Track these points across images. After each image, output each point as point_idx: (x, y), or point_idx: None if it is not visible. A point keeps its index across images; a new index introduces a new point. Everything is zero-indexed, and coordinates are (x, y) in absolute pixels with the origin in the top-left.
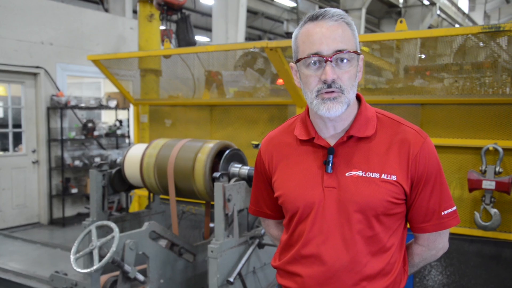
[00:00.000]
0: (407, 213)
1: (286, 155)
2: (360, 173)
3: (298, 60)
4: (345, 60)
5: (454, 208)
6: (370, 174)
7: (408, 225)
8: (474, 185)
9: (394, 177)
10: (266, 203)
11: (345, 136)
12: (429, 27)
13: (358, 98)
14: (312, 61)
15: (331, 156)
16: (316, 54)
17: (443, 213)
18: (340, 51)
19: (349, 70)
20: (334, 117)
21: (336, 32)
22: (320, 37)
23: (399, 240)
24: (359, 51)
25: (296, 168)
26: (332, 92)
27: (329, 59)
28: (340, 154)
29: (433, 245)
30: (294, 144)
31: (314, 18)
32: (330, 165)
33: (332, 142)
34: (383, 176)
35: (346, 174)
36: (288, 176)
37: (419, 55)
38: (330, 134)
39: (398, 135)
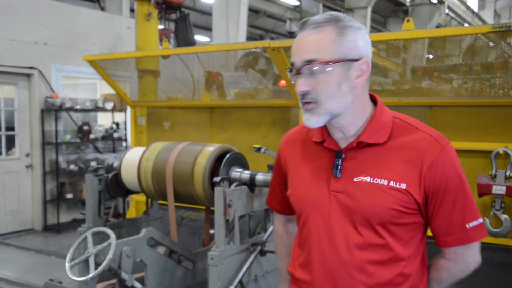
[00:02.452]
0: (429, 225)
1: (300, 155)
2: (368, 178)
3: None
4: (318, 72)
5: (480, 220)
6: (378, 181)
7: (426, 236)
8: (483, 190)
9: (403, 185)
10: (277, 198)
11: (354, 142)
12: (437, 26)
13: (374, 100)
14: (291, 73)
15: (339, 160)
16: (292, 65)
17: (467, 226)
18: (309, 61)
19: (325, 81)
20: (314, 127)
21: (310, 42)
22: (295, 48)
23: (413, 252)
24: (353, 57)
25: (307, 170)
26: (309, 103)
27: (299, 71)
28: (349, 158)
29: (461, 259)
30: (309, 144)
31: (299, 27)
32: (337, 169)
33: (343, 145)
34: (391, 183)
35: (354, 179)
36: (298, 176)
37: (427, 56)
38: (340, 137)
39: (413, 142)
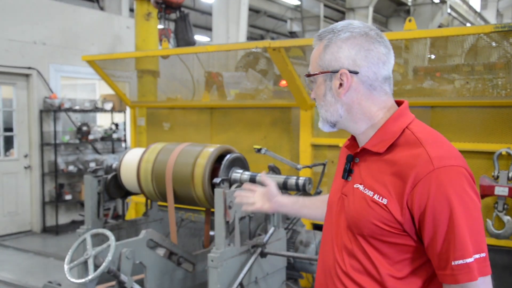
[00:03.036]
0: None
1: (340, 157)
2: (361, 187)
3: None
4: (311, 83)
5: (469, 260)
6: (367, 191)
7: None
8: (486, 191)
9: (385, 201)
10: None
11: (360, 148)
12: (439, 26)
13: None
14: None
15: (349, 164)
16: None
17: (453, 263)
18: (307, 74)
19: (315, 91)
20: (324, 131)
21: (311, 56)
22: None
23: (407, 275)
24: (333, 68)
25: (337, 172)
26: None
27: None
28: (360, 164)
29: None
30: (344, 147)
31: None
32: (346, 172)
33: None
34: (375, 196)
35: (354, 185)
36: (334, 176)
37: (429, 56)
38: (361, 144)
39: (407, 157)
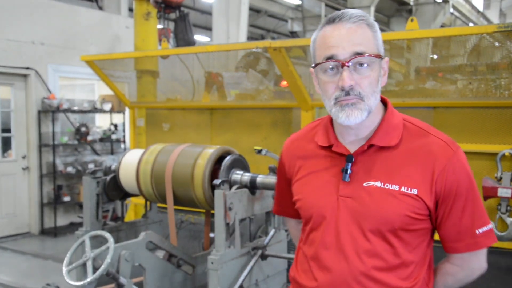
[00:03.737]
0: (437, 230)
1: (306, 159)
2: (378, 184)
3: (315, 66)
4: (364, 65)
5: (490, 226)
6: (389, 186)
7: (433, 242)
8: (489, 193)
9: (415, 191)
10: (288, 204)
11: (365, 145)
12: (442, 26)
13: (384, 102)
14: (329, 66)
15: (349, 164)
16: (332, 58)
17: (477, 232)
18: (358, 54)
19: (370, 75)
20: (354, 125)
21: (354, 34)
22: (337, 40)
23: (420, 257)
24: (382, 54)
25: (314, 174)
26: (351, 98)
27: (346, 63)
28: (359, 162)
29: (467, 265)
30: (315, 149)
31: (331, 20)
32: (347, 173)
33: (352, 149)
34: (402, 189)
35: (364, 184)
36: (306, 181)
37: (431, 56)
38: (350, 140)
39: (424, 146)
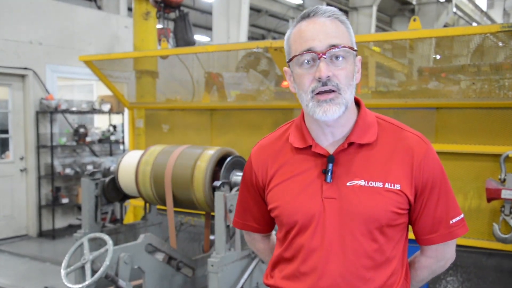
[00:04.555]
0: (412, 224)
1: (281, 164)
2: (362, 182)
3: (290, 60)
4: (340, 57)
5: (462, 216)
6: (373, 183)
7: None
8: (492, 195)
9: (398, 186)
10: (253, 216)
11: (345, 143)
12: (445, 26)
13: (357, 103)
14: (306, 60)
15: (330, 165)
16: (308, 50)
17: (451, 222)
18: (334, 46)
19: (345, 68)
20: (331, 120)
21: (329, 28)
22: (313, 33)
23: (401, 252)
24: (355, 49)
25: (293, 179)
26: (329, 93)
27: (322, 55)
28: (340, 162)
29: (442, 255)
30: (289, 152)
31: (305, 16)
32: (329, 174)
33: (331, 150)
34: (386, 185)
35: (347, 184)
36: (284, 187)
37: (434, 56)
38: (328, 142)
39: (401, 141)
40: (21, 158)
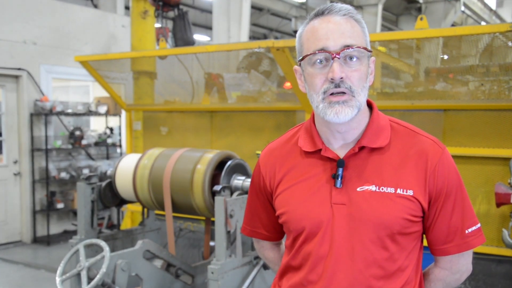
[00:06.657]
0: (426, 233)
1: (290, 168)
2: (373, 187)
3: (302, 59)
4: (354, 58)
5: (479, 225)
6: (384, 189)
7: (423, 245)
8: (502, 200)
9: (410, 192)
10: (262, 223)
11: (356, 147)
12: (453, 25)
13: (369, 105)
14: (318, 59)
15: (340, 170)
16: (322, 50)
17: (466, 232)
18: (348, 46)
19: (359, 69)
20: (343, 123)
21: (344, 27)
22: (326, 32)
23: (414, 262)
24: (370, 49)
25: (301, 183)
26: (342, 94)
27: (336, 55)
28: (350, 166)
29: (457, 268)
30: (298, 156)
31: (319, 13)
32: (339, 179)
33: (341, 154)
34: (398, 191)
35: (358, 189)
36: (292, 192)
37: (442, 56)
38: (339, 145)
39: (415, 146)
40: (15, 162)
